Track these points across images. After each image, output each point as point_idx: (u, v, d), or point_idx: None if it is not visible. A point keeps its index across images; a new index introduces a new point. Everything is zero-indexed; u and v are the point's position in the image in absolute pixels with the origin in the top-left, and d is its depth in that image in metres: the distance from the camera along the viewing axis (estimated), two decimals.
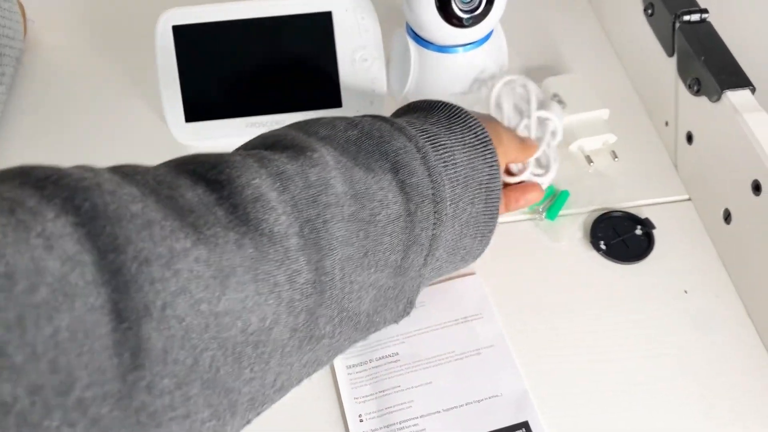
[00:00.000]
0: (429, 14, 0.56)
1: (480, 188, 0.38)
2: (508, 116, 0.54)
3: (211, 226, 0.25)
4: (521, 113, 0.54)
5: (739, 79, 0.53)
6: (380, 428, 0.47)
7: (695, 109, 0.57)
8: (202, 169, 0.28)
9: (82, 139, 0.65)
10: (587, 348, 0.51)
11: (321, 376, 0.50)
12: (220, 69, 0.62)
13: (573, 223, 0.57)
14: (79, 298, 0.22)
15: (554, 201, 0.58)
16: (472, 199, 0.38)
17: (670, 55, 0.60)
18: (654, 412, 0.48)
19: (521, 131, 0.53)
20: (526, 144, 0.50)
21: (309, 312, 0.28)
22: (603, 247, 0.55)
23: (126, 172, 0.27)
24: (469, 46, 0.59)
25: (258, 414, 0.28)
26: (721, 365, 0.50)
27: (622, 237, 0.56)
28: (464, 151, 0.38)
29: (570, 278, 0.54)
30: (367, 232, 0.30)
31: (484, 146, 0.39)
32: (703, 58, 0.55)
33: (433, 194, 0.34)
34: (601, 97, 0.63)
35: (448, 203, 0.36)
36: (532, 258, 0.56)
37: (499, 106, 0.55)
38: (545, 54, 0.71)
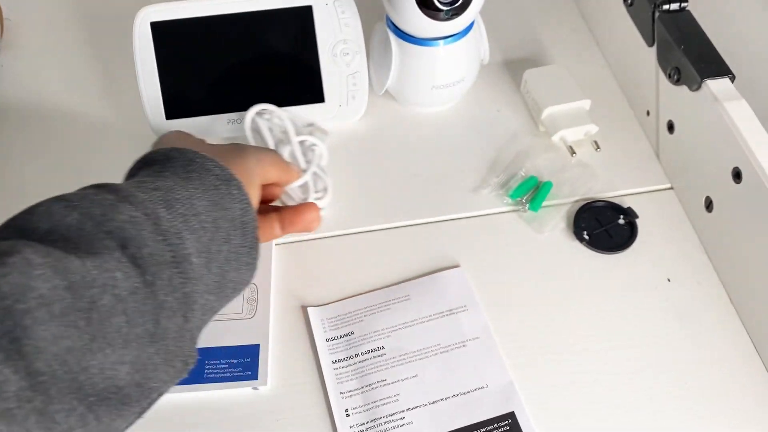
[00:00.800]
0: (409, 7, 0.56)
1: (233, 224, 0.38)
2: (269, 143, 0.57)
3: None
4: (283, 141, 0.57)
5: (718, 68, 0.53)
6: (367, 422, 0.47)
7: (676, 98, 0.57)
8: None
9: (61, 138, 0.64)
10: (572, 338, 0.51)
11: (306, 370, 0.50)
12: (200, 65, 0.61)
13: (556, 214, 0.57)
14: None
15: (537, 192, 0.58)
16: (226, 238, 0.38)
17: (650, 44, 0.60)
18: (638, 399, 0.48)
19: (287, 158, 0.55)
20: (288, 167, 0.52)
21: (38, 412, 0.27)
22: (586, 237, 0.56)
23: None
24: (449, 39, 0.59)
25: None
26: (705, 352, 0.50)
27: (605, 227, 0.56)
28: (206, 195, 0.37)
29: (554, 269, 0.55)
30: (89, 319, 0.30)
31: (227, 183, 0.38)
32: (682, 47, 0.55)
33: (172, 258, 0.34)
34: (582, 88, 0.63)
35: (194, 257, 0.35)
36: (516, 249, 0.56)
37: (257, 132, 0.58)
38: (526, 46, 0.71)
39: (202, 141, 0.50)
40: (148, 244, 0.33)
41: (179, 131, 0.53)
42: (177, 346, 0.34)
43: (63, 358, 0.28)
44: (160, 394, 0.34)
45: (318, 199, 0.57)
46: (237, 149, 0.46)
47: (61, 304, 0.29)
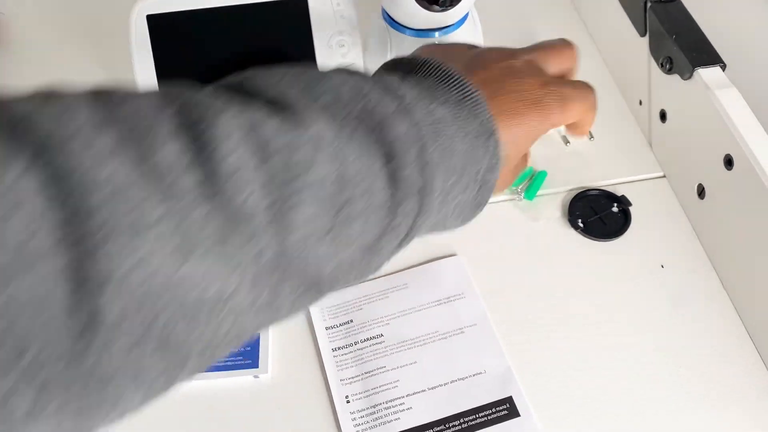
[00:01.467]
0: None
1: (475, 178, 0.37)
2: None
3: (183, 196, 0.25)
4: None
5: (710, 57, 0.54)
6: (367, 408, 0.48)
7: (668, 87, 0.58)
8: (187, 116, 0.27)
9: None
10: (567, 324, 0.52)
11: (306, 358, 0.50)
12: (196, 58, 0.62)
13: (551, 203, 0.58)
14: (40, 261, 0.22)
15: (532, 181, 0.59)
16: (464, 188, 0.37)
17: (642, 34, 0.61)
18: (633, 384, 0.49)
19: None
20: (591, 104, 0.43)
21: (272, 287, 0.28)
22: (581, 225, 0.56)
23: (108, 108, 0.26)
24: (444, 30, 0.60)
25: (209, 361, 0.29)
26: (698, 338, 0.51)
27: (599, 215, 0.57)
28: (466, 140, 0.36)
29: (549, 256, 0.55)
30: (338, 214, 0.30)
31: (488, 137, 0.37)
32: (674, 36, 0.56)
33: (421, 188, 0.34)
34: (576, 76, 0.64)
35: (437, 195, 0.35)
36: (512, 237, 0.56)
37: None
38: (520, 36, 0.71)
39: (477, 56, 0.43)
40: (409, 167, 0.33)
41: (449, 46, 0.47)
42: (377, 264, 0.34)
43: (305, 240, 0.29)
44: (333, 292, 0.34)
45: None
46: (525, 87, 0.40)
47: (329, 190, 0.29)
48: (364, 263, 0.33)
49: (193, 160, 0.25)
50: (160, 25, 0.60)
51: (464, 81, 0.37)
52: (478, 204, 0.39)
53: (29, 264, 0.21)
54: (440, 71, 0.37)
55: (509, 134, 0.38)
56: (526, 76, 0.40)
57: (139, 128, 0.25)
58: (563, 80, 0.43)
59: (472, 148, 0.36)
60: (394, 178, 0.32)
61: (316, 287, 0.31)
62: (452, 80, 0.37)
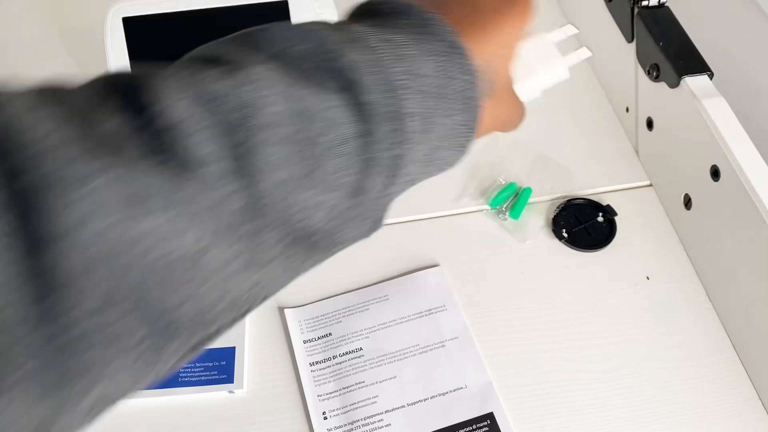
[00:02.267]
0: None
1: (456, 97, 0.36)
2: None
3: (126, 151, 0.24)
4: None
5: (697, 65, 0.53)
6: (345, 425, 0.47)
7: (655, 95, 0.57)
8: (131, 92, 0.26)
9: None
10: (550, 336, 0.51)
11: (283, 373, 0.49)
12: (173, 61, 0.60)
13: (536, 216, 0.57)
14: None
15: (517, 200, 0.57)
16: (449, 111, 0.36)
17: (630, 41, 0.59)
18: (616, 397, 0.48)
19: None
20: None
21: (249, 236, 0.27)
22: (565, 235, 0.55)
23: (49, 92, 0.26)
24: None
25: (207, 338, 0.28)
26: (683, 349, 0.50)
27: (584, 224, 0.56)
28: (432, 59, 0.35)
29: (533, 268, 0.54)
30: (309, 152, 0.29)
31: (459, 54, 0.35)
32: (661, 43, 0.55)
33: (391, 111, 0.32)
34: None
35: (416, 119, 0.33)
36: (495, 248, 0.55)
37: None
38: None
39: None
40: (371, 91, 0.31)
41: None
42: (373, 206, 0.33)
43: (283, 185, 0.28)
44: (340, 250, 0.33)
45: None
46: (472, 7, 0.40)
47: (289, 129, 0.28)
48: (359, 208, 0.32)
49: (137, 126, 0.25)
50: (136, 27, 0.58)
51: (417, 9, 0.36)
52: (469, 128, 0.37)
53: None
54: (390, 6, 0.36)
55: (480, 51, 0.37)
56: None
57: (84, 108, 0.25)
58: None
59: (441, 67, 0.35)
60: (359, 107, 0.31)
61: (307, 239, 0.30)
62: (408, 10, 0.36)
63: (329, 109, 0.30)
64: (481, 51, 0.37)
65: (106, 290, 0.23)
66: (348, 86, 0.31)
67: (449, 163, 0.38)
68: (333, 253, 0.33)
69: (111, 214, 0.23)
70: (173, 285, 0.25)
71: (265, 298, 0.30)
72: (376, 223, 0.35)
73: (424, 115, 0.34)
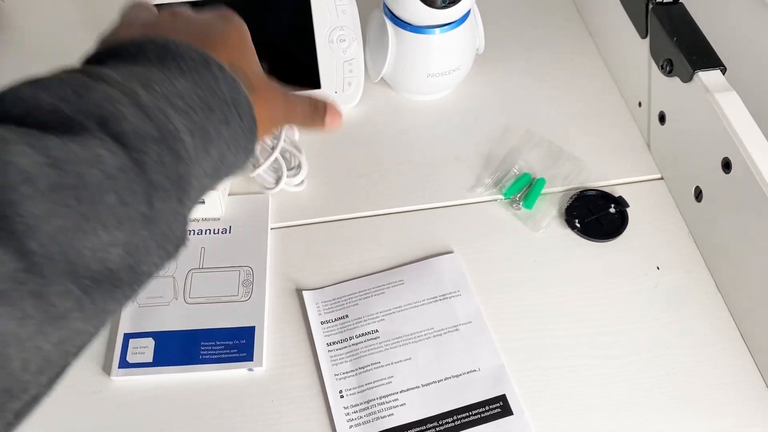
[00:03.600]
0: None
1: (227, 105, 0.36)
2: None
3: None
4: None
5: (710, 60, 0.54)
6: (361, 403, 0.48)
7: (668, 89, 0.58)
8: None
9: None
10: (562, 323, 0.52)
11: (301, 353, 0.50)
12: None
13: (550, 210, 0.58)
14: None
15: (531, 189, 0.58)
16: (224, 119, 0.36)
17: (644, 36, 0.61)
18: (626, 384, 0.49)
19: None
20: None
21: (35, 295, 0.26)
22: (578, 225, 0.56)
23: None
24: (445, 27, 0.60)
25: (28, 405, 0.27)
26: (692, 338, 0.51)
27: (596, 215, 0.57)
28: (186, 76, 0.35)
29: (545, 256, 0.55)
30: (79, 197, 0.28)
31: (207, 65, 0.36)
32: (675, 39, 0.56)
33: (158, 133, 0.32)
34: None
35: (187, 136, 0.33)
36: (509, 236, 0.57)
37: None
38: (520, 36, 0.72)
39: (163, 18, 0.43)
40: (129, 120, 0.31)
41: (137, 5, 0.46)
42: (170, 229, 0.33)
43: (56, 237, 0.27)
44: (151, 277, 0.33)
45: (292, 177, 0.58)
46: (203, 31, 0.41)
47: (47, 179, 0.27)
48: (157, 237, 0.32)
49: None
50: None
51: (156, 38, 0.36)
52: (249, 129, 0.38)
53: None
54: (132, 46, 0.36)
55: (223, 59, 0.37)
56: (188, 19, 0.42)
57: None
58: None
59: (197, 80, 0.35)
60: (119, 138, 0.30)
61: (108, 280, 0.29)
62: (147, 41, 0.36)
63: (88, 149, 0.29)
64: (224, 58, 0.37)
65: None
66: (102, 121, 0.30)
67: (239, 166, 0.39)
68: (143, 284, 0.32)
69: None
70: None
71: (80, 351, 0.29)
72: (180, 242, 0.34)
73: (195, 129, 0.34)
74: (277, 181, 0.58)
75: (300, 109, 0.44)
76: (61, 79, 0.32)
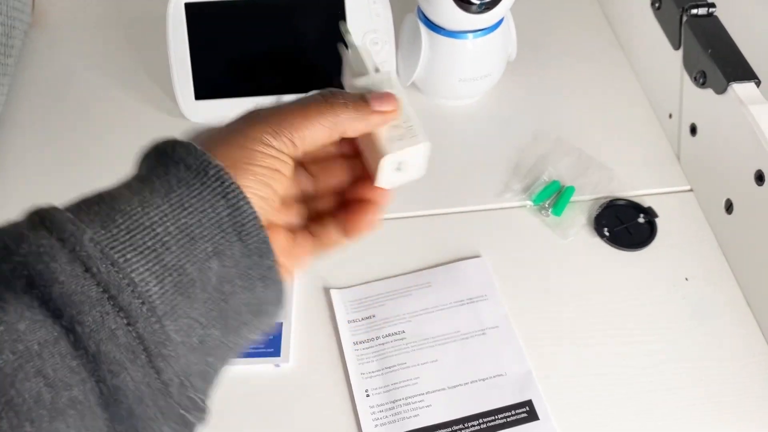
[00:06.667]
0: None
1: (227, 236, 0.27)
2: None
3: None
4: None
5: (744, 72, 0.54)
6: (386, 403, 0.48)
7: (700, 101, 0.58)
8: None
9: (89, 113, 0.65)
10: (589, 331, 0.52)
11: (328, 350, 0.50)
12: (231, 48, 0.62)
13: (578, 218, 0.58)
14: None
15: (560, 197, 0.58)
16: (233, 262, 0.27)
17: (677, 48, 0.61)
18: (653, 394, 0.49)
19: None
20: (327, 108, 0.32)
21: None
22: (606, 233, 0.56)
23: None
24: (479, 33, 0.60)
25: None
26: (719, 351, 0.51)
27: (625, 225, 0.57)
28: (177, 194, 0.27)
29: (573, 263, 0.55)
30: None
31: (204, 174, 0.27)
32: (709, 51, 0.56)
33: (101, 292, 0.25)
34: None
35: (152, 285, 0.25)
36: (537, 242, 0.56)
37: None
38: (551, 45, 0.72)
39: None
40: (58, 279, 0.24)
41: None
42: (159, 415, 0.25)
43: None
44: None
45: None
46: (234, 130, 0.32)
47: (41, 400, 0.23)
48: (149, 422, 0.25)
49: None
50: (197, 14, 0.60)
51: (170, 142, 0.29)
52: (269, 267, 0.29)
53: None
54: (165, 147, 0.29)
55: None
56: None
57: None
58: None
59: (193, 202, 0.27)
60: (46, 303, 0.24)
61: None
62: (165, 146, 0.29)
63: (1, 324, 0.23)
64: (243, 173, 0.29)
65: None
66: (30, 283, 0.24)
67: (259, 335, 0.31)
68: None
69: None
70: None
71: None
72: (199, 416, 0.27)
73: (168, 277, 0.26)
74: None
75: (344, 129, 0.33)
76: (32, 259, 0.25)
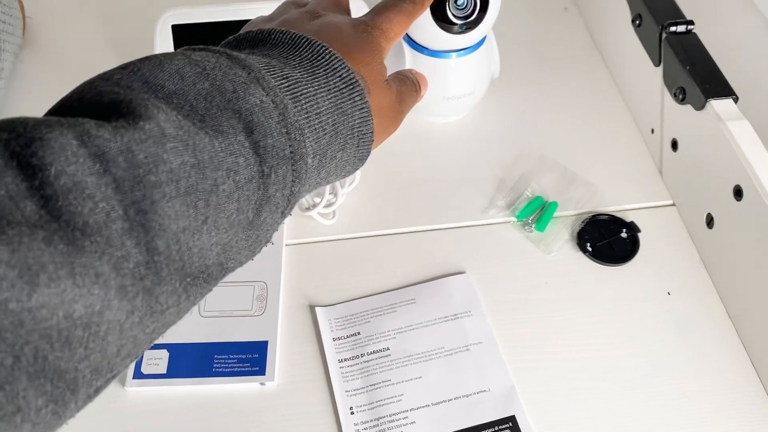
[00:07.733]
0: (424, 19, 0.57)
1: (352, 133, 0.36)
2: None
3: (16, 225, 0.24)
4: None
5: (722, 89, 0.55)
6: (371, 420, 0.48)
7: (680, 117, 0.59)
8: (16, 144, 0.26)
9: None
10: (572, 346, 0.52)
11: (313, 368, 0.51)
12: None
13: (561, 229, 0.58)
14: None
15: (543, 212, 0.59)
16: (342, 145, 0.36)
17: (657, 64, 0.61)
18: (636, 409, 0.49)
19: None
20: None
21: (147, 292, 0.27)
22: (589, 248, 0.57)
23: None
24: (461, 52, 0.61)
25: (108, 381, 0.28)
26: (702, 365, 0.51)
27: (608, 239, 0.58)
28: (329, 96, 0.35)
29: (557, 279, 0.56)
30: (207, 201, 0.29)
31: (351, 89, 0.36)
32: (688, 67, 0.57)
33: (291, 154, 0.32)
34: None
35: (310, 158, 0.34)
36: (521, 258, 0.57)
37: None
38: (535, 62, 0.73)
39: (312, 17, 0.42)
40: (273, 135, 0.31)
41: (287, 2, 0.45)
42: (266, 237, 0.34)
43: (178, 237, 0.28)
44: (231, 272, 0.33)
45: (329, 205, 0.59)
46: (359, 43, 0.40)
47: (187, 181, 0.28)
48: (251, 241, 0.32)
49: (26, 189, 0.25)
50: (184, 35, 0.61)
51: (315, 43, 0.36)
52: (360, 158, 0.38)
53: None
54: (288, 38, 0.36)
55: (364, 75, 0.38)
56: (346, 27, 0.41)
57: None
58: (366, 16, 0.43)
59: (337, 104, 0.35)
60: (258, 150, 0.31)
61: (203, 276, 0.30)
62: (306, 44, 0.36)
63: (230, 156, 0.29)
64: (364, 75, 0.38)
65: (4, 368, 0.23)
66: (249, 130, 0.30)
67: (333, 181, 0.39)
68: (222, 278, 0.32)
69: (3, 291, 0.23)
70: (72, 346, 0.25)
71: (158, 337, 0.30)
72: (265, 245, 0.34)
73: (318, 151, 0.34)
74: (311, 207, 0.58)
75: (409, 104, 0.43)
76: (224, 69, 0.32)
